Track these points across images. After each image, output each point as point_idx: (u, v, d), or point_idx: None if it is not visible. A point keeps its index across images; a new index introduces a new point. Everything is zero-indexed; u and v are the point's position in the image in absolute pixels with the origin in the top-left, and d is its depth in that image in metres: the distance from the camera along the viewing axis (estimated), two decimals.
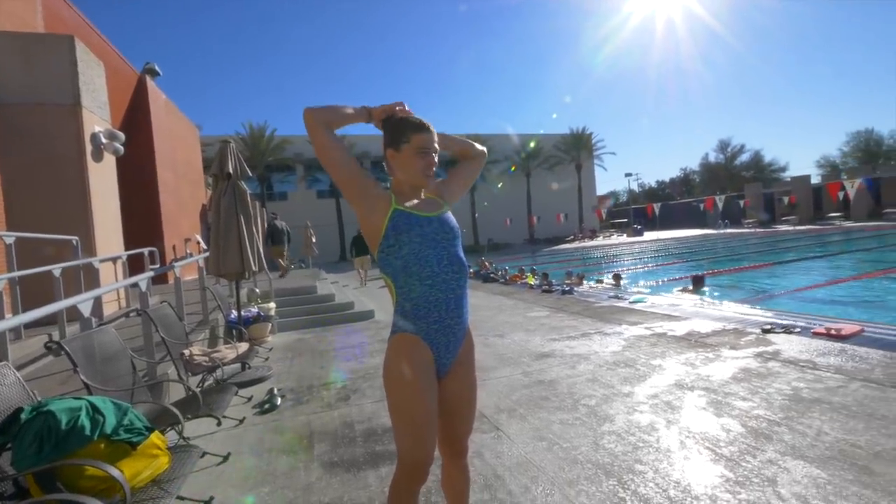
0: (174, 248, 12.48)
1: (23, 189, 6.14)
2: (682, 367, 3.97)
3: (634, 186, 58.17)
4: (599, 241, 33.33)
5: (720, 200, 32.63)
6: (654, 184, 68.85)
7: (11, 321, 2.54)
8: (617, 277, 10.97)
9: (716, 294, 9.27)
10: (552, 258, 22.90)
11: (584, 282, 11.00)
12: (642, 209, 38.55)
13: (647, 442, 2.68)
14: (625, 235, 35.38)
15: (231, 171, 4.45)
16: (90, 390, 2.23)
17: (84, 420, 1.53)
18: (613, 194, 71.05)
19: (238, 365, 4.32)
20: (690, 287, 9.54)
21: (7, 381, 1.82)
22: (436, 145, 1.55)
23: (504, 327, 6.29)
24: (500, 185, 36.00)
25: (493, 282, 12.44)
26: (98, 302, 5.66)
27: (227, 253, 4.42)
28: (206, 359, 3.54)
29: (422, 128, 1.52)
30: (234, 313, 5.30)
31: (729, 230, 31.34)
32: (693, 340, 4.80)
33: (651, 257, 19.98)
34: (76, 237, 5.95)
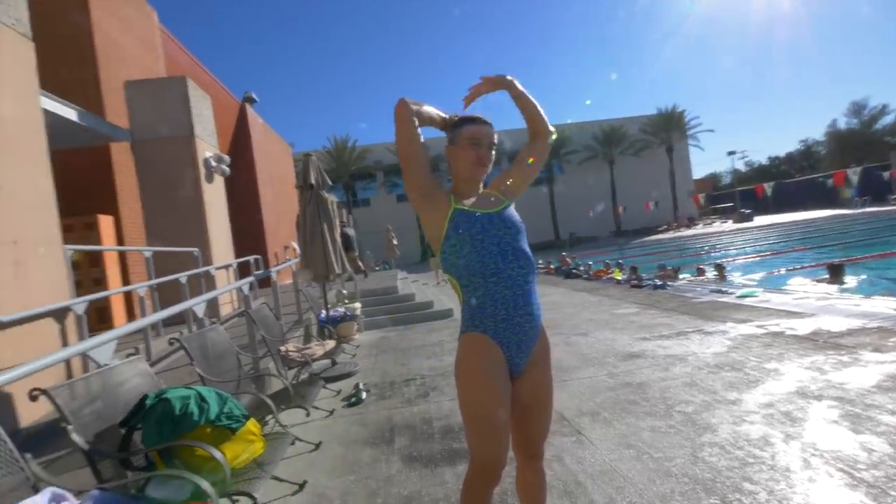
0: (276, 254, 13.87)
1: (155, 211, 7.26)
2: (807, 373, 3.41)
3: (740, 165, 51.89)
4: (699, 229, 30.32)
5: (854, 174, 27.55)
6: (765, 161, 60.90)
7: (147, 320, 3.04)
8: (720, 268, 9.90)
9: (856, 286, 7.92)
10: (642, 250, 21.33)
11: (680, 275, 10.11)
12: (751, 191, 34.08)
13: (759, 458, 2.33)
14: (730, 221, 31.70)
15: (313, 181, 4.83)
16: (204, 381, 2.58)
17: (193, 407, 1.79)
18: (713, 176, 64.24)
19: (328, 360, 4.68)
20: (826, 277, 8.28)
21: (140, 371, 2.18)
22: (491, 140, 1.54)
23: (588, 325, 6.02)
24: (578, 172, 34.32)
25: (576, 278, 11.96)
26: (214, 303, 6.51)
27: (314, 258, 4.82)
28: (299, 355, 3.89)
29: (476, 120, 1.53)
30: (324, 313, 5.75)
31: (869, 208, 26.30)
32: (821, 341, 4.12)
33: (765, 245, 17.68)
34: (197, 249, 6.90)
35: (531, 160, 1.67)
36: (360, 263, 12.12)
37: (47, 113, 4.89)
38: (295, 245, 15.52)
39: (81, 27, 7.71)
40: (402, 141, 1.50)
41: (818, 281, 8.34)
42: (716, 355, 4.13)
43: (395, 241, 16.18)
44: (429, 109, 1.54)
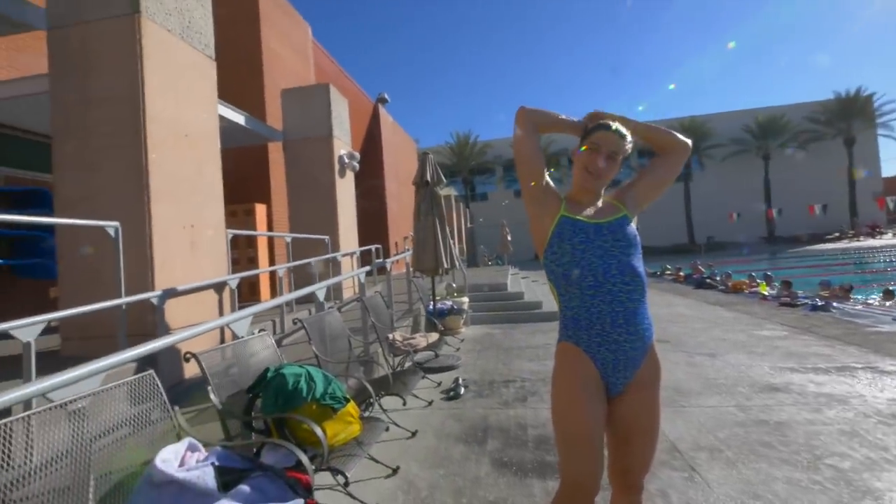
0: (396, 244, 14.87)
1: (297, 201, 8.31)
2: None
3: None
4: (887, 239, 24.25)
5: None
6: None
7: (276, 301, 3.51)
8: None
9: None
10: (799, 262, 17.84)
11: (853, 296, 8.20)
12: None
13: None
14: None
15: (429, 178, 5.02)
16: (319, 360, 2.87)
17: (303, 384, 1.99)
18: None
19: (432, 352, 4.85)
20: None
21: (267, 345, 2.51)
22: (614, 148, 1.46)
23: (718, 345, 5.25)
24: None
25: (710, 288, 10.51)
26: (338, 286, 7.24)
27: (425, 252, 5.02)
28: (404, 344, 4.09)
29: (602, 126, 1.48)
30: (432, 305, 5.97)
31: None
32: None
33: None
34: (327, 236, 7.73)
35: (667, 166, 1.55)
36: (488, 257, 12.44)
37: (222, 118, 5.91)
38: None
39: (252, 43, 9.14)
40: (516, 145, 1.56)
41: None
42: (893, 402, 3.27)
43: (509, 237, 16.10)
44: (553, 117, 1.55)
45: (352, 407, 2.14)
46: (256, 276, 7.46)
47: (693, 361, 4.63)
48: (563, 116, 1.57)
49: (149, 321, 3.67)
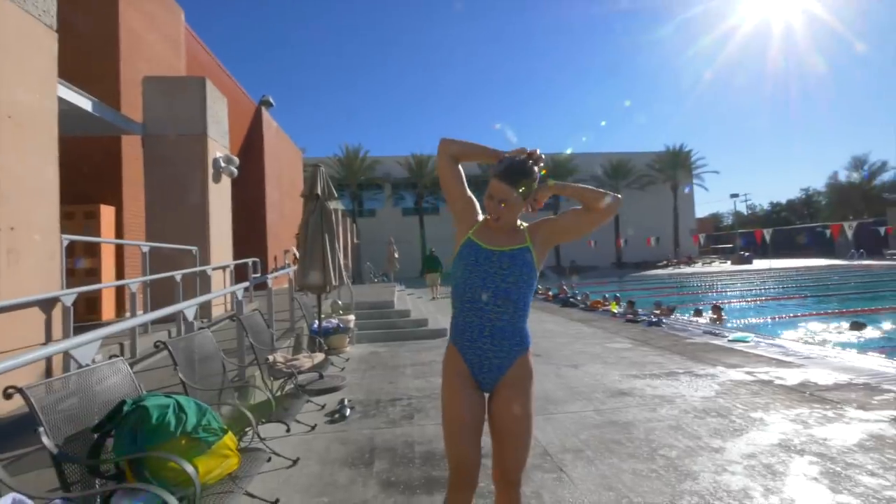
0: (275, 258, 13.83)
1: (158, 206, 7.26)
2: (791, 425, 3.40)
3: (742, 208, 52.18)
4: (698, 267, 30.36)
5: (850, 227, 27.93)
6: (767, 206, 61.30)
7: (136, 320, 3.00)
8: (717, 310, 9.86)
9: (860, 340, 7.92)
10: (641, 284, 21.30)
11: (676, 314, 10.06)
12: (750, 234, 34.37)
13: None
14: (729, 263, 31.81)
15: (319, 192, 4.84)
16: (185, 387, 2.53)
17: (171, 417, 1.74)
18: (715, 216, 64.50)
19: (316, 373, 4.60)
20: (847, 326, 8.40)
21: (120, 373, 2.14)
22: (504, 196, 1.58)
23: (579, 357, 5.96)
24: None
25: (573, 307, 11.90)
26: (207, 304, 6.45)
27: (312, 268, 4.80)
28: (286, 365, 3.82)
29: (496, 174, 1.60)
30: (316, 323, 5.69)
31: (864, 261, 26.72)
32: (808, 393, 4.12)
33: (761, 289, 17.69)
34: (195, 247, 6.87)
35: (582, 222, 1.70)
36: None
37: (62, 101, 4.93)
38: (295, 251, 15.57)
39: (107, 20, 7.85)
40: (439, 172, 1.77)
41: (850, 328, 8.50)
42: (704, 399, 4.09)
43: (396, 254, 16.17)
44: (471, 147, 1.72)
45: (229, 439, 1.93)
46: (98, 292, 6.25)
47: (560, 373, 5.18)
48: (483, 146, 1.72)
49: None
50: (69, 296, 3.57)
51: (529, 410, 1.60)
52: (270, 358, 3.89)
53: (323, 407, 4.12)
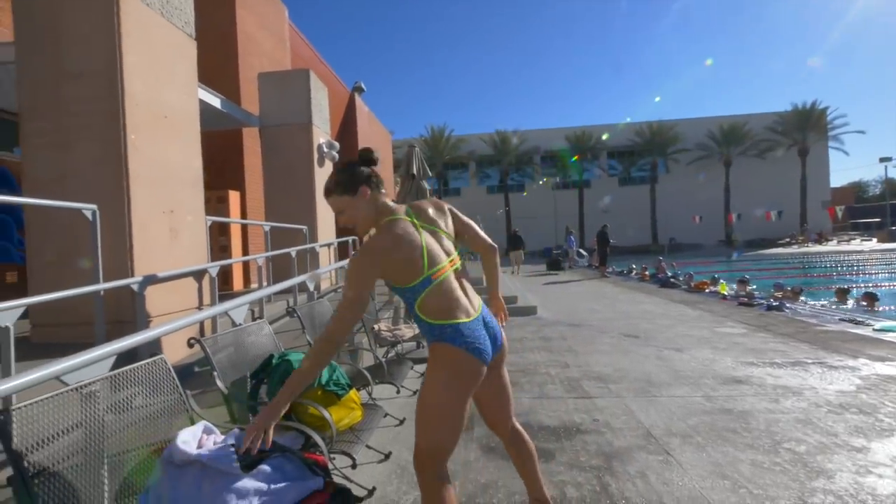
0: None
1: (274, 189, 8.12)
2: None
3: (894, 174, 43.38)
4: (832, 245, 26.13)
5: None
6: None
7: (271, 289, 3.48)
8: (871, 298, 8.22)
9: None
10: (755, 265, 18.99)
11: (802, 297, 8.84)
12: None
13: None
14: (874, 240, 26.83)
15: (415, 171, 5.05)
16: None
17: None
18: (858, 185, 54.68)
19: (415, 343, 4.91)
20: None
21: (264, 333, 2.51)
22: (336, 208, 1.68)
23: (683, 340, 5.58)
24: (541, 184, 31.65)
25: (674, 287, 11.05)
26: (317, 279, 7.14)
27: None
28: (390, 334, 4.13)
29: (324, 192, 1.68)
30: None
31: None
32: None
33: None
34: (306, 226, 7.61)
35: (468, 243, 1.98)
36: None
37: (199, 101, 5.69)
38: None
39: (227, 24, 8.80)
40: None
41: None
42: (840, 393, 3.61)
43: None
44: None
45: (354, 394, 2.19)
46: (230, 265, 7.26)
47: (662, 355, 4.91)
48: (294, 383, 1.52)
49: (126, 308, 3.55)
50: (214, 268, 4.21)
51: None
52: (375, 327, 4.23)
53: (422, 375, 4.39)
